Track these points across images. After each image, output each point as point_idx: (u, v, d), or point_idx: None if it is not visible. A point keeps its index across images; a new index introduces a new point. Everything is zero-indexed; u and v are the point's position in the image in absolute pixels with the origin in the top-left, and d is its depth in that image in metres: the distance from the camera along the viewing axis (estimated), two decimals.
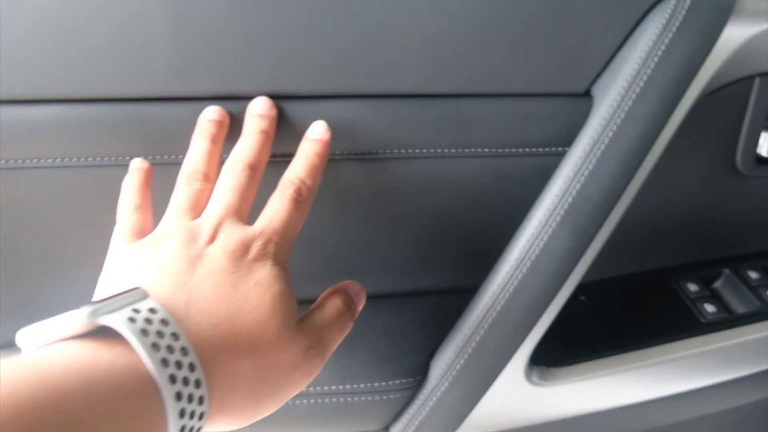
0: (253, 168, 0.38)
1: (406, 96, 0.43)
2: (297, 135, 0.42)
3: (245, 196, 0.37)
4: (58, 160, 0.42)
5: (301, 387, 0.34)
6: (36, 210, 0.44)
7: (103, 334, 0.27)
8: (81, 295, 0.44)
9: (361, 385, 0.49)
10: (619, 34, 0.42)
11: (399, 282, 0.53)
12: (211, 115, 0.41)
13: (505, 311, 0.45)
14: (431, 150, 0.45)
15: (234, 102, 0.41)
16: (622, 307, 0.59)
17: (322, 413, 0.49)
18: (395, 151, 0.44)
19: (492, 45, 0.41)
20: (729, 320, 0.55)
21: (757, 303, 0.56)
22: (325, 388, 0.48)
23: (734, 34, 0.43)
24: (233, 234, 0.34)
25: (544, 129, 0.45)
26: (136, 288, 0.29)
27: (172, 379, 0.27)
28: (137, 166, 0.40)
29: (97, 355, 0.26)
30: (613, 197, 0.43)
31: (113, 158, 0.42)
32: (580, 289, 0.50)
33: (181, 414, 0.27)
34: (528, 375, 0.50)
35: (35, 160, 0.42)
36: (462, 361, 0.47)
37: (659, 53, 0.41)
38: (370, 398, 0.49)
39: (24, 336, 0.27)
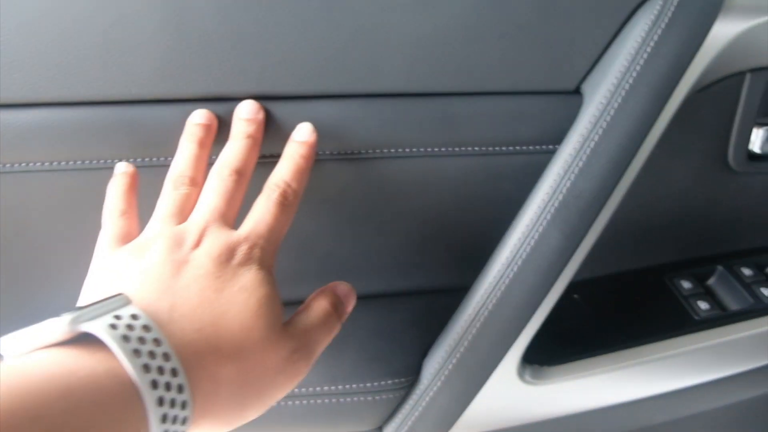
0: (239, 173, 0.38)
1: (395, 95, 0.43)
2: (286, 136, 0.41)
3: (231, 200, 0.37)
4: (47, 163, 0.42)
5: (286, 390, 0.34)
6: (25, 214, 0.44)
7: (85, 341, 0.27)
8: (70, 299, 0.44)
9: (353, 386, 0.48)
10: (609, 31, 0.42)
11: (390, 282, 0.53)
12: (198, 118, 0.41)
13: (496, 310, 0.45)
14: (421, 149, 0.44)
15: (223, 103, 0.41)
16: (616, 305, 0.58)
17: (314, 414, 0.49)
18: (385, 150, 0.44)
19: (481, 43, 0.41)
20: (722, 317, 0.55)
21: (751, 300, 0.56)
22: (317, 388, 0.48)
23: (724, 30, 0.43)
24: (218, 239, 0.34)
25: (534, 127, 0.44)
26: (118, 294, 0.29)
27: (154, 384, 0.26)
28: (122, 170, 0.40)
29: (77, 362, 0.26)
30: (603, 195, 0.43)
31: (102, 161, 0.42)
32: (573, 287, 0.50)
33: (164, 419, 0.27)
34: (521, 374, 0.50)
35: (24, 164, 0.41)
36: (454, 361, 0.47)
37: (648, 50, 0.41)
38: (362, 399, 0.49)
39: (6, 343, 0.27)
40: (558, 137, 0.44)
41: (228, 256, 0.34)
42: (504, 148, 0.45)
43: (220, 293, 0.32)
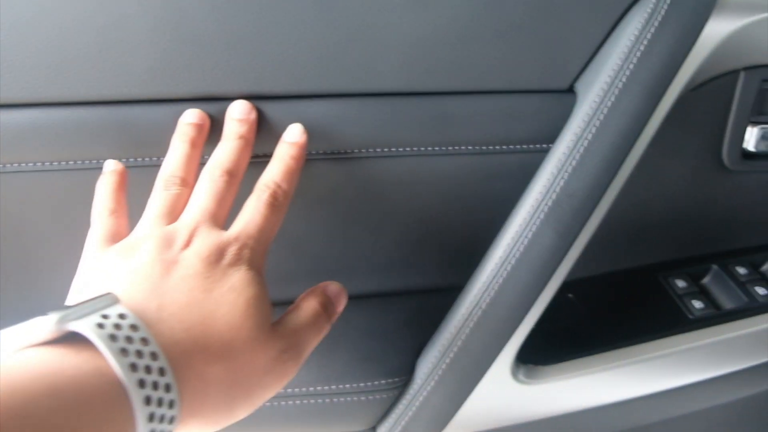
0: (231, 174, 0.38)
1: (389, 94, 0.43)
2: (278, 136, 0.41)
3: (222, 201, 0.37)
4: (39, 164, 0.42)
5: (275, 390, 0.34)
6: (19, 214, 0.44)
7: (72, 340, 0.27)
8: (60, 299, 0.44)
9: (347, 386, 0.48)
10: (602, 29, 0.42)
11: (384, 281, 0.52)
12: (190, 118, 0.40)
13: (490, 309, 0.45)
14: (415, 148, 0.44)
15: (216, 103, 0.41)
16: (610, 304, 0.58)
17: (307, 414, 0.49)
18: (378, 150, 0.44)
19: (475, 42, 0.41)
20: (717, 316, 0.55)
21: (745, 299, 0.56)
22: (310, 388, 0.48)
23: (717, 29, 0.43)
24: (208, 239, 0.34)
25: (528, 126, 0.44)
26: (106, 293, 0.29)
27: (141, 383, 0.26)
28: (111, 168, 0.40)
29: (64, 361, 0.26)
30: (597, 194, 0.43)
31: (95, 161, 0.42)
32: (568, 286, 0.50)
33: (150, 418, 0.26)
34: (514, 373, 0.50)
35: (17, 165, 0.41)
36: (448, 360, 0.47)
37: (642, 48, 0.40)
38: (355, 398, 0.49)
39: None
40: (552, 136, 0.44)
41: (217, 256, 0.34)
42: (498, 147, 0.45)
43: (209, 293, 0.32)
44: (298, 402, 0.48)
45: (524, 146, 0.45)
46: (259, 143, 0.42)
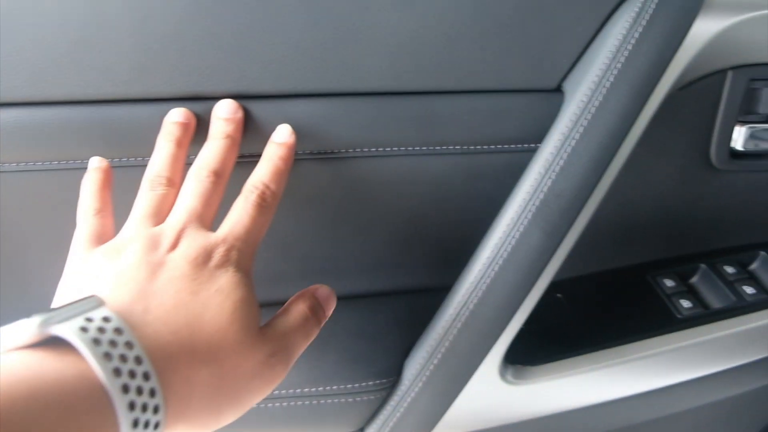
0: (217, 174, 0.38)
1: (375, 94, 0.42)
2: (265, 136, 0.41)
3: (209, 202, 0.37)
4: (22, 164, 0.41)
5: (263, 394, 0.34)
6: (1, 215, 0.43)
7: (56, 343, 0.26)
8: (46, 300, 0.44)
9: (334, 387, 0.48)
10: (590, 28, 0.42)
11: (372, 282, 0.52)
12: (176, 117, 0.40)
13: (477, 310, 0.45)
14: (402, 148, 0.44)
15: (201, 102, 0.41)
16: (599, 304, 0.58)
17: (294, 416, 0.49)
18: (365, 150, 0.44)
19: (461, 41, 0.41)
20: (705, 315, 0.55)
21: (733, 298, 0.56)
22: (298, 390, 0.48)
23: (705, 28, 0.43)
24: (195, 241, 0.34)
25: (515, 125, 0.44)
26: (90, 296, 0.29)
27: (125, 388, 0.26)
28: (95, 165, 0.40)
29: (45, 365, 0.25)
30: (584, 193, 0.43)
31: (79, 161, 0.41)
32: (556, 286, 0.50)
33: (135, 424, 0.26)
34: (502, 374, 0.50)
35: None
36: (435, 361, 0.46)
37: (629, 47, 0.40)
38: (343, 400, 0.48)
39: None
40: (539, 136, 0.44)
41: (205, 258, 0.33)
42: (485, 147, 0.45)
43: (196, 295, 0.32)
44: (285, 404, 0.48)
45: (512, 146, 0.45)
46: (245, 143, 0.41)
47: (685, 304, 0.56)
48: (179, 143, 0.39)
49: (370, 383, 0.48)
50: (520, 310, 0.46)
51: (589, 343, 0.53)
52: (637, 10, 0.40)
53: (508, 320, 0.46)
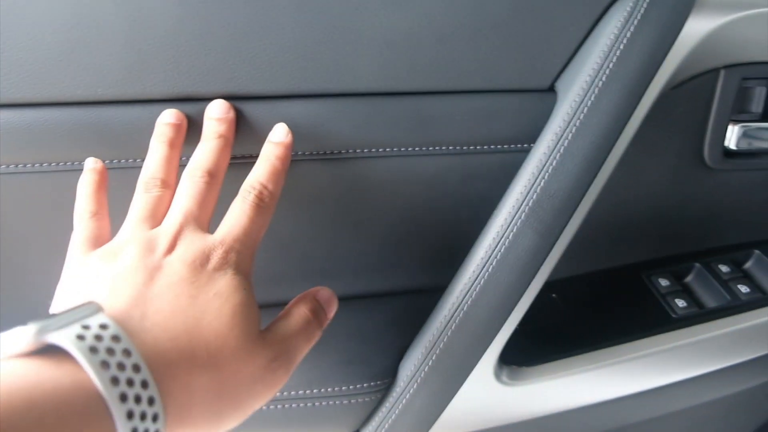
0: (211, 174, 0.37)
1: (368, 95, 0.42)
2: (259, 136, 0.41)
3: (204, 203, 0.36)
4: (12, 166, 0.41)
5: (265, 399, 0.34)
6: None
7: (53, 351, 0.26)
8: (40, 302, 0.43)
9: (329, 389, 0.48)
10: (582, 28, 0.42)
11: (367, 283, 0.52)
12: (168, 118, 0.40)
13: (471, 311, 0.44)
14: (395, 149, 0.44)
15: (193, 103, 0.40)
16: (594, 304, 0.58)
17: (289, 419, 0.48)
18: (358, 150, 0.44)
19: (453, 41, 0.41)
20: (700, 315, 0.55)
21: (728, 297, 0.56)
22: (293, 392, 0.47)
23: (697, 27, 0.43)
24: (193, 243, 0.34)
25: (508, 125, 0.44)
26: (87, 302, 0.28)
27: (123, 397, 0.26)
28: (91, 166, 0.39)
29: (42, 374, 0.25)
30: (577, 194, 0.42)
31: (69, 163, 0.41)
32: (551, 286, 0.50)
33: None
34: (498, 375, 0.49)
35: None
36: (430, 363, 0.46)
37: (621, 47, 0.40)
38: (338, 402, 0.48)
39: None
40: (532, 136, 0.44)
41: (202, 260, 0.33)
42: (478, 147, 0.45)
43: (195, 300, 0.32)
44: (280, 406, 0.48)
45: (504, 146, 0.45)
46: (239, 145, 0.41)
47: (680, 303, 0.56)
48: (172, 144, 0.39)
49: (366, 385, 0.48)
50: (515, 311, 0.45)
51: (585, 343, 0.53)
52: (629, 9, 0.40)
53: (502, 321, 0.45)
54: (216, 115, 0.40)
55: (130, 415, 0.26)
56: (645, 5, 0.40)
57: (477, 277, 0.44)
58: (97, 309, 0.28)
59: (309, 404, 0.48)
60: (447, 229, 0.49)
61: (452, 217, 0.49)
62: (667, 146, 0.51)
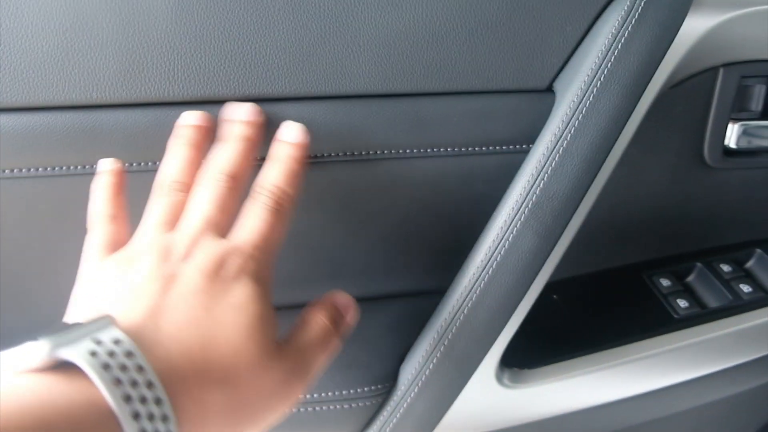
0: (234, 178, 0.36)
1: (364, 96, 0.42)
2: None
3: (225, 208, 0.35)
4: (7, 171, 0.40)
5: (281, 413, 0.33)
6: None
7: (65, 366, 0.25)
8: (37, 309, 0.43)
9: (330, 394, 0.47)
10: (579, 27, 0.42)
11: (365, 286, 0.52)
12: (192, 119, 0.38)
13: (472, 313, 0.44)
14: (392, 151, 0.44)
15: (188, 106, 0.40)
16: (595, 305, 0.58)
17: (289, 424, 0.48)
18: (354, 153, 0.43)
19: (450, 42, 0.41)
20: (702, 315, 0.55)
21: (730, 297, 0.56)
22: None
23: (695, 25, 0.43)
24: (210, 250, 0.32)
25: (506, 127, 0.44)
26: (102, 316, 0.28)
27: (136, 415, 0.25)
28: (109, 167, 0.38)
29: (55, 391, 0.25)
30: (577, 194, 0.42)
31: (64, 168, 0.41)
32: (552, 287, 0.49)
33: None
34: (499, 377, 0.49)
35: None
36: (431, 366, 0.46)
37: (619, 46, 0.40)
38: (338, 407, 0.48)
39: None
40: (531, 137, 0.44)
41: (219, 269, 0.32)
42: (476, 149, 0.44)
43: (210, 311, 0.31)
44: None
45: (503, 147, 0.44)
46: None
47: (682, 303, 0.56)
48: (196, 146, 0.37)
49: (366, 389, 0.48)
50: (516, 313, 0.45)
51: (586, 344, 0.53)
52: (626, 8, 0.40)
53: (503, 323, 0.45)
54: (244, 117, 0.38)
55: None
56: (642, 4, 0.40)
57: (477, 280, 0.44)
58: (111, 323, 0.28)
59: (309, 409, 0.48)
60: (446, 231, 0.49)
61: (451, 219, 0.48)
62: (667, 145, 0.51)
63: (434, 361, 0.46)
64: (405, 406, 0.48)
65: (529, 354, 0.52)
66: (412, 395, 0.47)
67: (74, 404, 0.24)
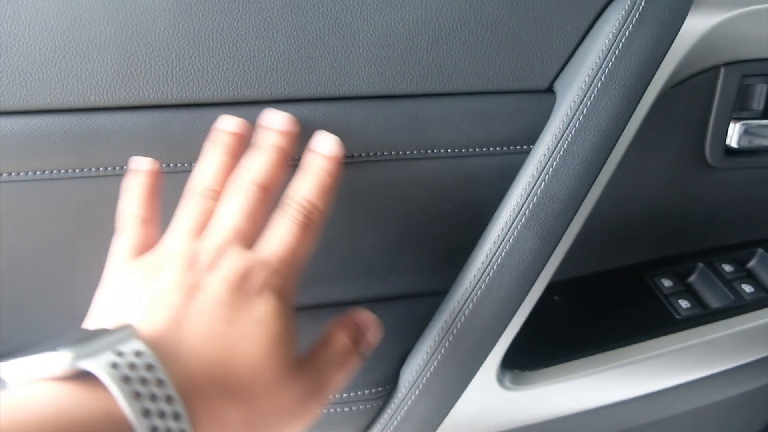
0: (265, 188, 0.35)
1: (363, 98, 0.42)
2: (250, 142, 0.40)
3: (254, 219, 0.34)
4: (5, 174, 0.40)
5: (298, 429, 0.32)
6: None
7: (85, 375, 0.25)
8: (37, 312, 0.43)
9: (330, 397, 0.47)
10: (580, 27, 0.41)
11: (365, 288, 0.51)
12: (229, 125, 0.38)
13: (473, 315, 0.44)
14: (392, 153, 0.43)
15: (184, 109, 0.40)
16: (597, 306, 0.58)
17: None
18: (354, 155, 0.43)
19: (449, 42, 0.40)
20: (704, 316, 0.55)
21: (732, 297, 0.56)
22: None
23: (696, 24, 0.43)
24: (235, 262, 0.32)
25: (506, 127, 0.44)
26: (124, 326, 0.28)
27: (154, 430, 0.25)
28: (145, 167, 0.38)
29: (74, 402, 0.25)
30: (578, 195, 0.42)
31: (63, 171, 0.40)
32: (553, 287, 0.49)
33: None
34: (500, 379, 0.49)
35: None
36: (432, 368, 0.46)
37: (620, 46, 0.40)
38: (339, 410, 0.48)
39: (6, 370, 0.26)
40: (531, 137, 0.44)
41: (243, 282, 0.31)
42: (476, 150, 0.44)
43: (232, 325, 0.30)
44: None
45: (503, 148, 0.44)
46: None
47: (684, 304, 0.56)
48: (232, 154, 0.37)
49: (367, 392, 0.48)
50: (517, 315, 0.45)
51: (588, 345, 0.53)
52: (627, 7, 0.40)
53: (504, 325, 0.45)
54: (278, 126, 0.38)
55: None
56: (643, 3, 0.40)
57: (478, 282, 0.44)
58: (132, 334, 0.28)
59: None
60: (446, 233, 0.49)
61: (452, 220, 0.48)
62: (668, 145, 0.51)
63: (435, 363, 0.46)
64: (406, 408, 0.47)
65: (531, 355, 0.52)
66: (413, 398, 0.47)
67: (93, 416, 0.24)
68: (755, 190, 0.56)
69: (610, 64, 0.40)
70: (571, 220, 0.43)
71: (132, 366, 0.26)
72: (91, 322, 0.32)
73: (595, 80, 0.40)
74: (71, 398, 0.25)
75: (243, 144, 0.38)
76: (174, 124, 0.40)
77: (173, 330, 0.29)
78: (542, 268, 0.43)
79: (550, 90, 0.43)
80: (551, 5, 0.40)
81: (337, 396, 0.47)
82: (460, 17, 0.40)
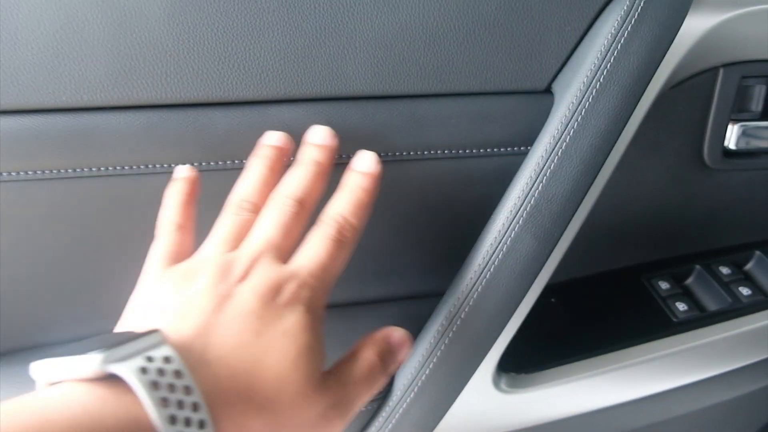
0: (301, 203, 0.36)
1: (360, 98, 0.41)
2: (247, 144, 0.40)
3: (289, 233, 0.35)
4: (4, 174, 0.40)
5: None
6: None
7: (113, 378, 0.26)
8: (36, 312, 0.42)
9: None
10: (578, 28, 0.41)
11: (361, 290, 0.51)
12: (273, 140, 0.39)
13: (469, 318, 0.44)
14: (389, 154, 0.43)
15: (180, 110, 0.39)
16: (593, 308, 0.58)
17: None
18: (350, 155, 0.43)
19: (447, 43, 0.40)
20: (701, 318, 0.55)
21: (729, 299, 0.55)
22: None
23: (695, 25, 0.43)
24: (267, 273, 0.32)
25: (504, 128, 0.43)
26: (153, 331, 0.28)
27: None
28: (183, 174, 0.38)
29: (102, 406, 0.25)
30: (576, 197, 0.42)
31: (56, 171, 0.40)
32: (550, 289, 0.49)
33: None
34: (496, 382, 0.49)
35: None
36: (427, 371, 0.45)
37: (619, 47, 0.40)
38: None
39: (36, 370, 0.27)
40: (529, 138, 0.43)
41: (274, 293, 0.32)
42: (473, 151, 0.44)
43: (260, 336, 0.30)
44: None
45: (501, 149, 0.44)
46: (225, 151, 0.40)
47: (681, 306, 0.55)
48: (273, 168, 0.38)
49: None
50: (514, 317, 0.45)
51: (585, 348, 0.53)
52: (626, 8, 0.40)
53: (501, 328, 0.45)
54: (316, 141, 0.38)
55: None
56: (642, 4, 0.39)
57: (475, 284, 0.43)
58: (162, 340, 0.28)
59: None
60: (443, 234, 0.49)
61: (448, 221, 0.48)
62: (667, 146, 0.50)
63: (431, 366, 0.45)
64: (401, 411, 0.47)
65: (527, 358, 0.52)
66: (408, 400, 0.47)
67: (119, 421, 0.25)
68: (753, 192, 0.56)
69: (608, 65, 0.40)
70: (568, 222, 0.42)
71: (161, 372, 0.26)
72: (123, 327, 0.33)
73: (594, 81, 0.40)
74: (99, 401, 0.25)
75: (283, 157, 0.39)
76: (168, 124, 0.39)
77: (202, 337, 0.29)
78: (539, 271, 0.43)
79: (548, 91, 0.43)
80: (549, 6, 0.40)
81: None
82: (457, 17, 0.40)
